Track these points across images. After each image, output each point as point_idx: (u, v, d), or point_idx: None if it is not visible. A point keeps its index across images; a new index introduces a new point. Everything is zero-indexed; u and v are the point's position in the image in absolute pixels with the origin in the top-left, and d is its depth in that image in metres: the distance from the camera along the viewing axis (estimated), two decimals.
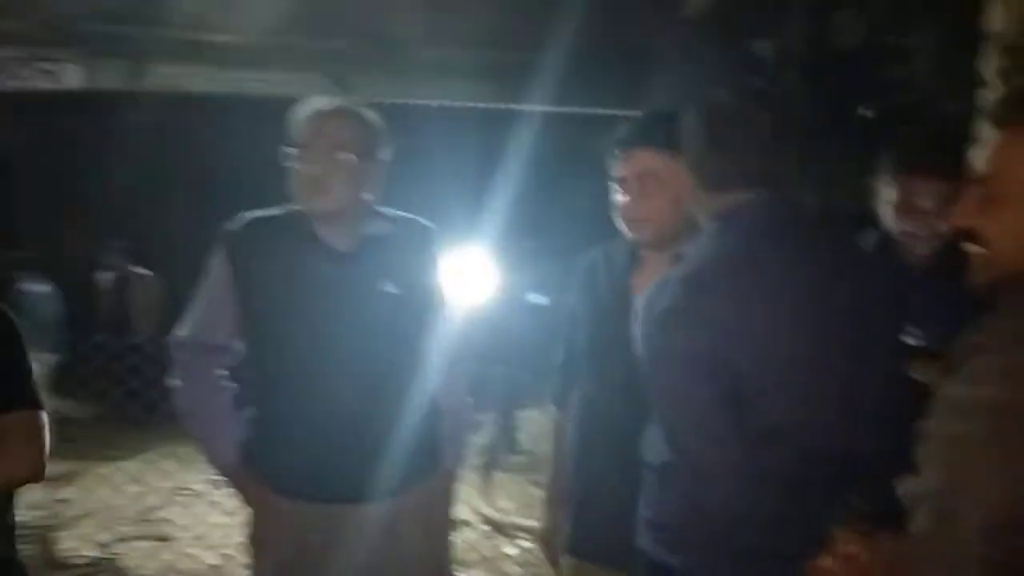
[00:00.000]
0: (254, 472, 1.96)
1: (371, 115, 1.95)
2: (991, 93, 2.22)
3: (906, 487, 1.10)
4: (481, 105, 8.86)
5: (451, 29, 9.95)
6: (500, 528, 4.87)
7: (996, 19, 2.23)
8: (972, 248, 1.20)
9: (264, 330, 1.94)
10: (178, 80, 8.34)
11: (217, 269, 1.95)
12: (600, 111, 9.43)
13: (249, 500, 2.01)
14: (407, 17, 9.94)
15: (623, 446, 1.66)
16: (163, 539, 5.00)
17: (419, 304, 2.00)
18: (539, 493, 5.49)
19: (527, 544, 4.66)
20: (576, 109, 9.28)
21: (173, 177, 9.18)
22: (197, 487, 5.57)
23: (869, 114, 8.14)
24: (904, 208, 1.81)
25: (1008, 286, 1.13)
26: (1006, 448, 1.00)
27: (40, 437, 1.76)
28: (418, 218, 2.04)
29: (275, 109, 7.67)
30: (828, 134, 10.73)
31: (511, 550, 4.57)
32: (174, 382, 2.00)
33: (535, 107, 9.04)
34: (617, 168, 1.87)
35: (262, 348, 1.96)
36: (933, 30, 6.73)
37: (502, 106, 8.99)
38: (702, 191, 1.48)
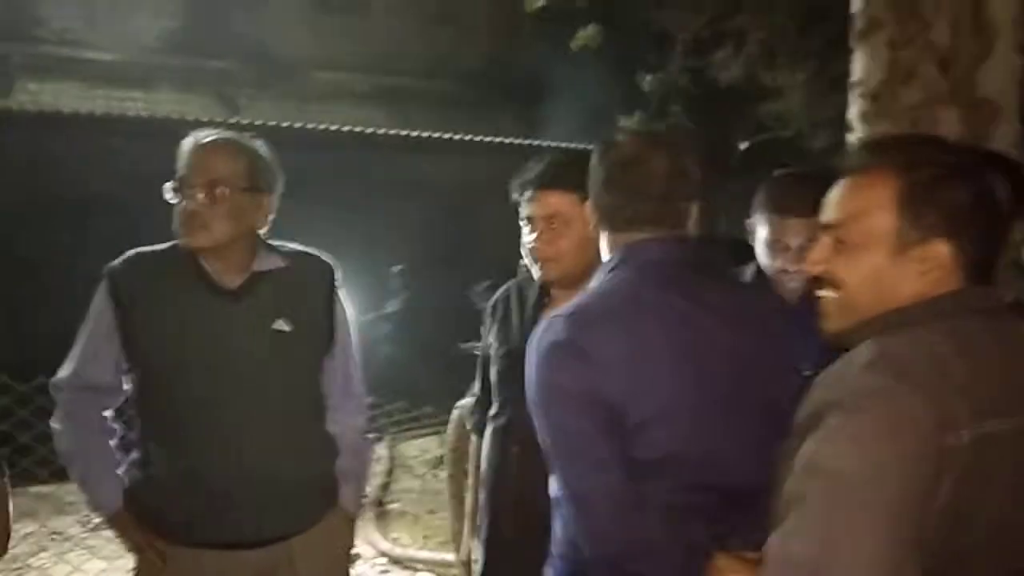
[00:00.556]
0: (140, 516, 1.87)
1: (256, 147, 1.88)
2: (853, 138, 2.42)
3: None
4: (370, 130, 8.85)
5: (344, 53, 9.93)
6: (396, 561, 4.81)
7: (858, 67, 2.43)
8: (824, 295, 1.19)
9: (150, 370, 1.83)
10: (52, 98, 7.96)
11: (100, 308, 1.84)
12: (493, 139, 9.60)
13: (134, 546, 1.92)
14: (299, 39, 9.86)
15: (532, 480, 1.66)
16: None
17: (315, 341, 1.93)
18: (436, 523, 5.48)
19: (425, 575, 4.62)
20: (470, 136, 9.40)
21: (44, 199, 8.70)
22: (72, 531, 5.26)
23: (743, 147, 8.62)
24: (775, 246, 1.90)
25: (863, 335, 1.12)
26: (834, 515, 0.99)
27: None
28: (315, 252, 1.99)
29: (159, 130, 7.43)
30: (710, 165, 11.24)
31: None
32: (55, 424, 1.90)
33: (425, 133, 9.11)
34: (526, 208, 1.89)
35: (148, 388, 1.85)
36: (804, 70, 7.18)
37: (392, 132, 9.00)
38: (602, 230, 1.52)
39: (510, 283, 2.11)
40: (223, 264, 1.82)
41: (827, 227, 1.19)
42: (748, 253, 2.03)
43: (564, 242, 1.83)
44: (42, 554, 5.05)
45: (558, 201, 1.82)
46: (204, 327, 1.80)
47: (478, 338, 2.15)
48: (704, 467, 1.40)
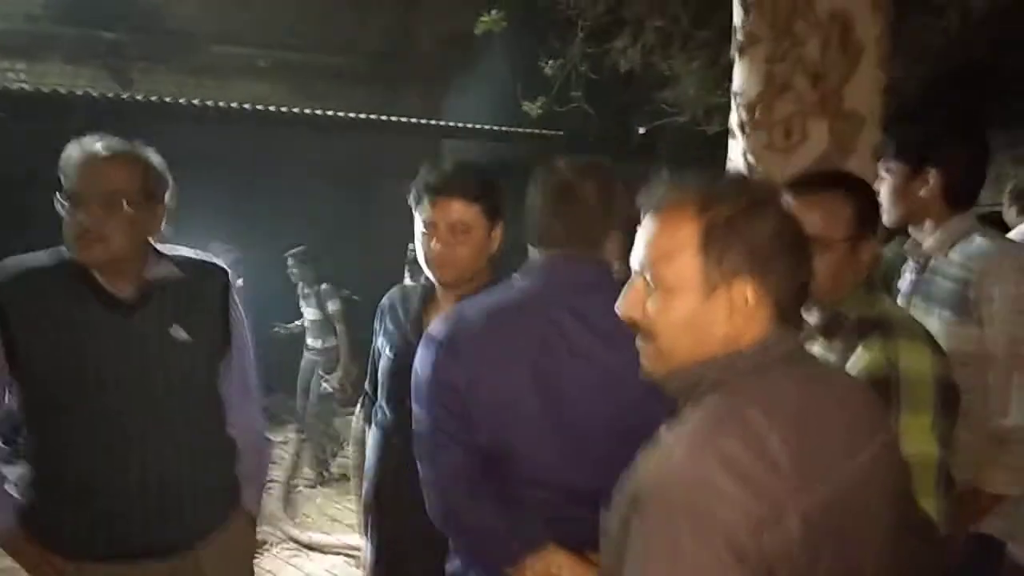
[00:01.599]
0: (37, 533, 1.83)
1: (148, 154, 1.85)
2: (736, 145, 2.61)
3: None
4: (270, 107, 8.68)
5: (242, 27, 9.64)
6: (305, 546, 4.84)
7: (738, 79, 2.62)
8: (640, 342, 1.16)
9: (42, 386, 1.78)
10: None
11: None
12: (393, 118, 9.56)
13: (28, 564, 1.87)
14: (196, 11, 9.50)
15: (411, 474, 1.70)
16: None
17: (211, 348, 1.92)
18: (345, 508, 5.49)
19: (334, 560, 4.68)
20: (369, 116, 9.33)
21: None
22: None
23: (642, 131, 8.89)
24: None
25: (678, 388, 1.13)
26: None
27: None
28: (208, 257, 1.99)
29: (45, 105, 7.05)
30: (609, 149, 11.53)
31: (316, 569, 4.57)
32: None
33: (323, 110, 8.99)
34: (427, 213, 1.93)
35: (39, 404, 1.80)
36: (697, 58, 7.45)
37: (289, 109, 8.85)
38: (531, 245, 1.64)
39: (394, 289, 2.21)
40: (115, 275, 1.80)
41: (637, 270, 1.15)
42: None
43: (464, 249, 1.92)
44: None
45: (459, 208, 1.91)
46: (98, 341, 1.78)
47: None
48: (544, 466, 1.54)
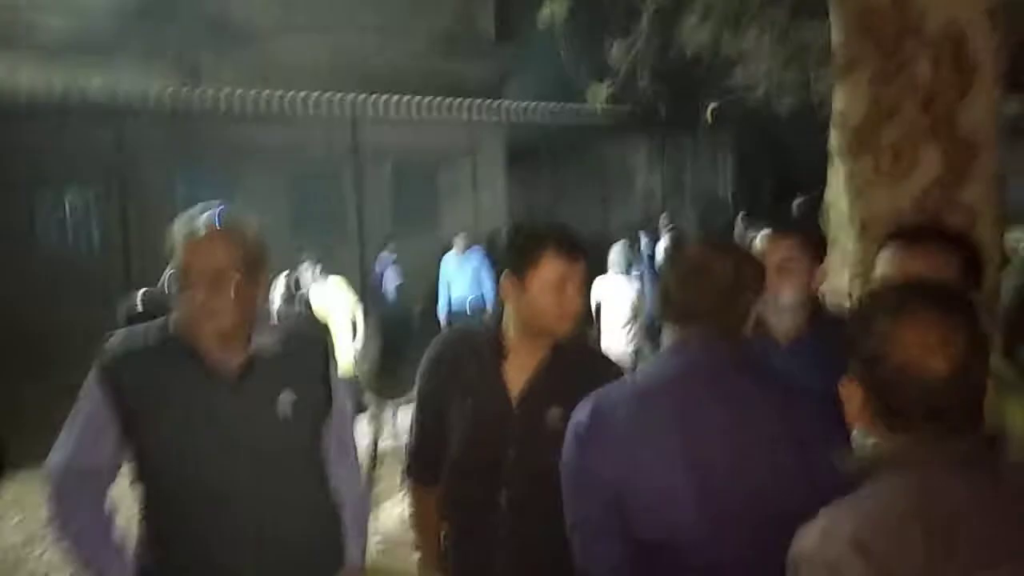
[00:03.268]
0: None
1: (250, 227, 1.86)
2: (837, 171, 2.50)
3: None
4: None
5: (308, 20, 9.66)
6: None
7: (840, 101, 2.50)
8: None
9: (153, 458, 1.83)
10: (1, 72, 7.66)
11: (94, 398, 1.82)
12: (456, 102, 9.51)
13: None
14: (260, 4, 9.54)
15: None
16: None
17: (315, 410, 1.94)
18: None
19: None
20: (432, 101, 9.29)
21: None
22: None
23: (712, 113, 8.68)
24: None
25: (859, 463, 1.19)
26: None
27: None
28: (305, 317, 1.99)
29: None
30: (680, 131, 11.34)
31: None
32: (52, 510, 1.90)
33: (385, 99, 8.98)
34: (556, 271, 1.89)
35: (152, 473, 1.85)
36: (768, 37, 7.22)
37: (352, 100, 8.85)
38: (666, 322, 1.63)
39: (448, 337, 2.11)
40: (224, 348, 1.82)
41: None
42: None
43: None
44: (36, 545, 5.10)
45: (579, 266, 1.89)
46: (207, 415, 1.81)
47: None
48: (697, 550, 1.52)
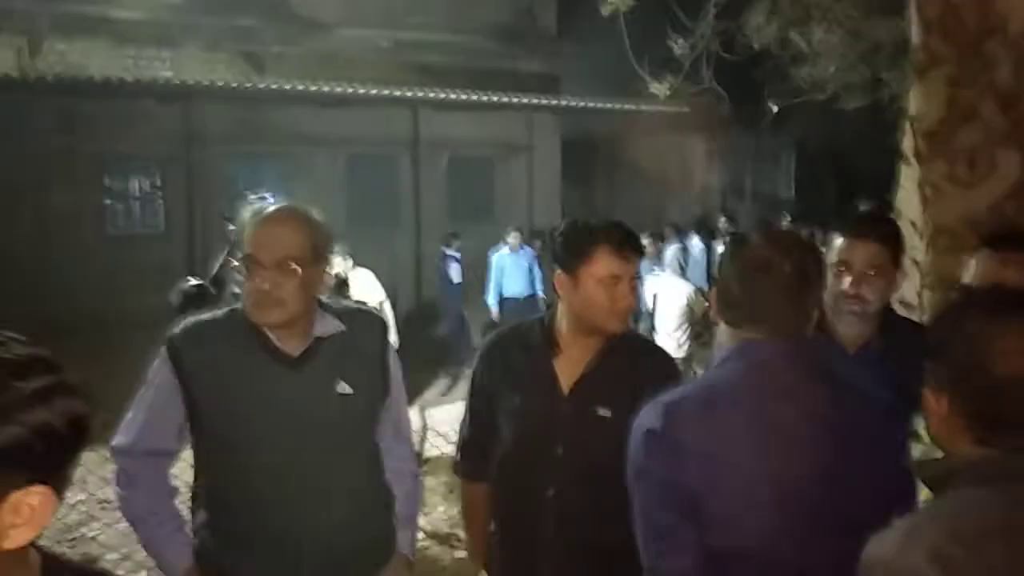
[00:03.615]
0: (207, 573, 1.93)
1: (315, 215, 1.89)
2: (910, 174, 2.41)
3: None
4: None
5: (370, 13, 9.73)
6: (433, 536, 4.95)
7: (915, 102, 2.41)
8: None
9: (216, 437, 1.88)
10: (76, 59, 7.89)
11: (162, 378, 1.87)
12: (515, 99, 9.49)
13: None
14: None
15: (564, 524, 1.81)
16: (89, 560, 4.89)
17: (373, 398, 1.97)
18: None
19: (463, 554, 4.76)
20: (491, 96, 9.29)
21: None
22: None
23: (776, 108, 8.49)
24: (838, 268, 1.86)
25: (937, 474, 1.17)
26: None
27: None
28: (366, 307, 2.02)
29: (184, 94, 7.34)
30: (741, 129, 11.15)
31: (447, 560, 4.65)
32: (118, 489, 1.96)
33: (445, 93, 9.01)
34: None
35: (214, 453, 1.90)
36: (837, 35, 7.02)
37: (414, 93, 8.90)
38: (723, 322, 1.58)
39: (501, 331, 2.11)
40: (288, 333, 1.87)
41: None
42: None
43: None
44: (93, 523, 5.25)
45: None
46: (269, 396, 1.85)
47: None
48: (775, 557, 1.48)
